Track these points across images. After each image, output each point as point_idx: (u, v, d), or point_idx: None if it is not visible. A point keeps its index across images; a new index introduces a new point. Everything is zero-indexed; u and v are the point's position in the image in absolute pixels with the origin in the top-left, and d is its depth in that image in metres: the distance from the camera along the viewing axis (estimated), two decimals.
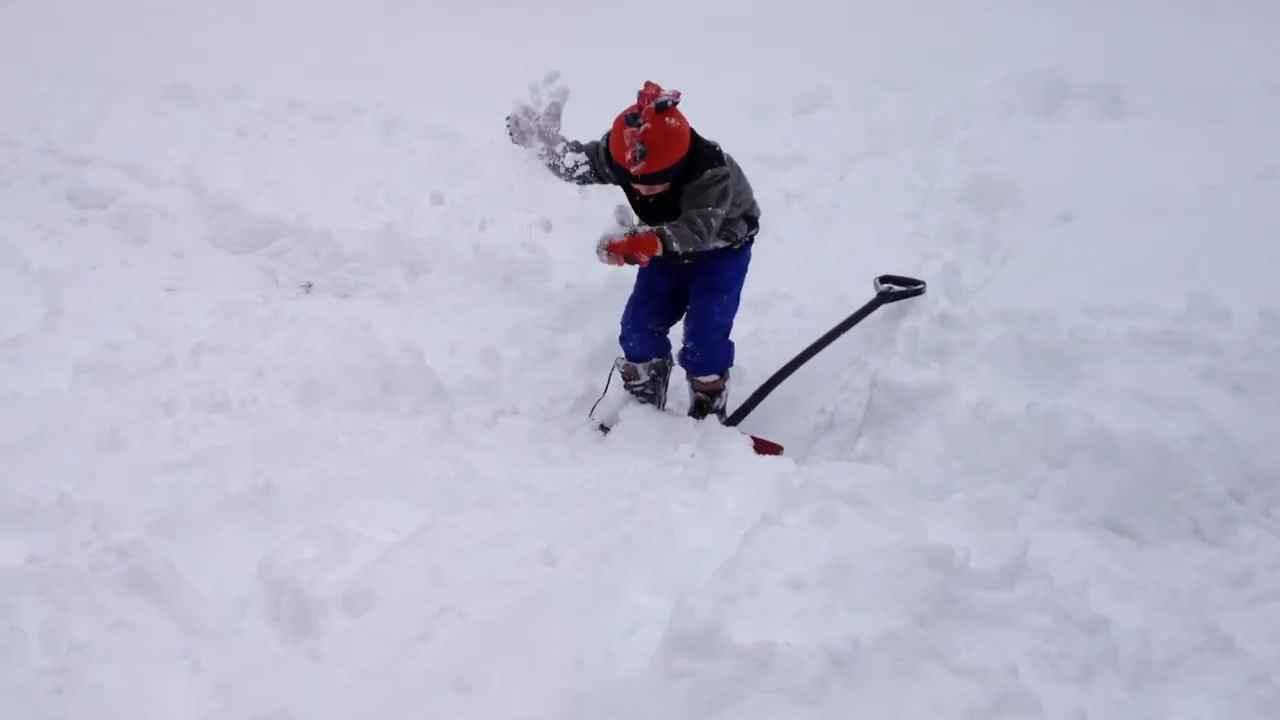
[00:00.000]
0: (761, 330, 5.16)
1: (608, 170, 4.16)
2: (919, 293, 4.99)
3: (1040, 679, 2.58)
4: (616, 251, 3.85)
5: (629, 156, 3.88)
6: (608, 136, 4.06)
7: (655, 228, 3.94)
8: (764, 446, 4.34)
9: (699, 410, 4.64)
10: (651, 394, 4.63)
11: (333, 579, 3.16)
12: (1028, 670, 2.58)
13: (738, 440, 4.25)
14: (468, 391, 4.77)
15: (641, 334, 4.52)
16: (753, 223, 4.42)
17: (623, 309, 4.59)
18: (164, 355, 4.64)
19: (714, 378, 4.51)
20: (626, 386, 4.64)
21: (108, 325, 5.14)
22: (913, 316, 4.94)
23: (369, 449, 4.11)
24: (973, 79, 7.93)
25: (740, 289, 4.51)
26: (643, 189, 4.08)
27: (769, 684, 2.44)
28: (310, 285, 5.95)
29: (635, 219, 4.10)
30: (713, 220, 4.04)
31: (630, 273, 4.50)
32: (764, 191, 6.34)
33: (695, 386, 4.59)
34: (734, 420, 4.58)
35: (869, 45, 8.93)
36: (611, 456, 4.27)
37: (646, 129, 3.85)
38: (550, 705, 2.53)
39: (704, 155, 4.05)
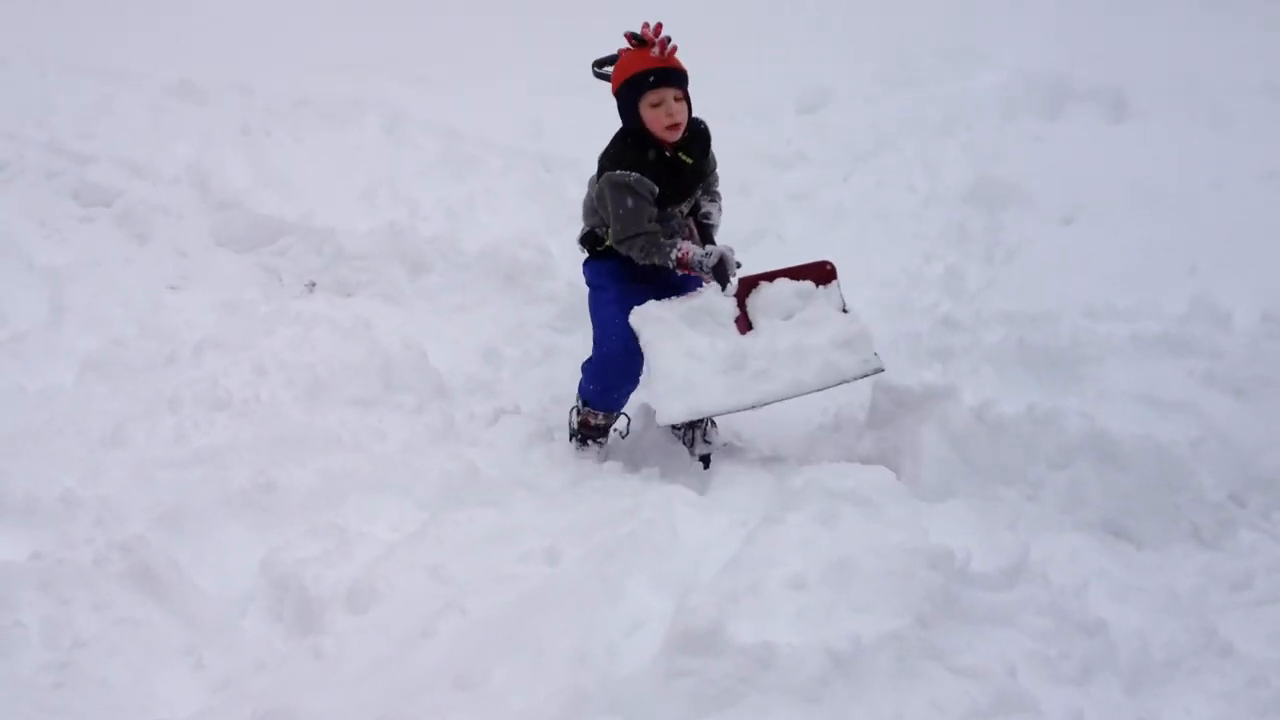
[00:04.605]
0: None
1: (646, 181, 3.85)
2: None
3: (1039, 680, 2.59)
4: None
5: (658, 48, 3.74)
6: (623, 173, 3.80)
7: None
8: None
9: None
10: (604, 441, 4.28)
11: (335, 576, 3.18)
12: (1027, 671, 2.59)
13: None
14: (470, 390, 4.77)
15: (635, 383, 4.14)
16: None
17: None
18: (167, 352, 4.65)
19: None
20: (585, 436, 4.24)
21: (111, 322, 5.14)
22: (916, 318, 4.94)
23: (371, 447, 4.11)
24: (977, 79, 7.93)
25: None
26: (673, 129, 3.78)
27: (771, 683, 2.45)
28: (313, 283, 5.95)
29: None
30: None
31: None
32: (767, 191, 6.37)
33: None
34: None
35: (872, 44, 8.93)
36: (613, 457, 4.28)
37: (659, 24, 3.76)
38: (552, 702, 2.54)
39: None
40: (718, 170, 4.19)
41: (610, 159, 3.89)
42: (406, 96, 8.05)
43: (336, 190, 6.58)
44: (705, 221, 4.08)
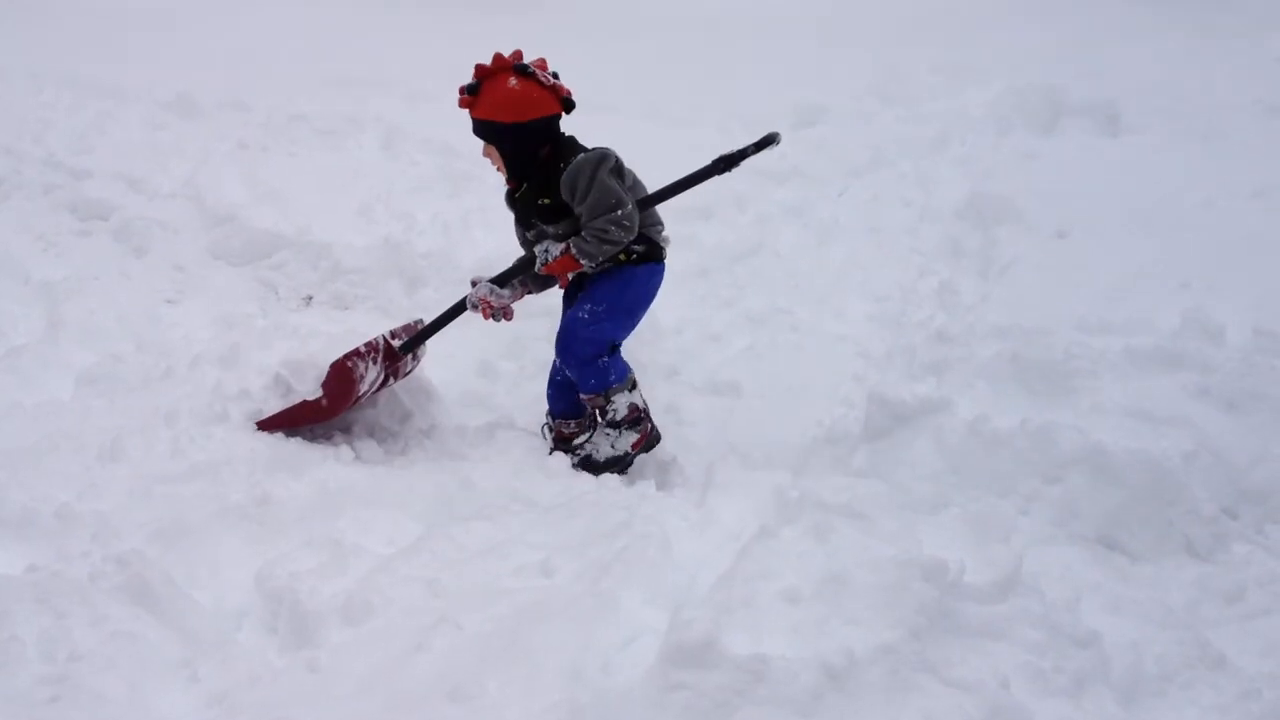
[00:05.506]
0: (758, 344, 5.18)
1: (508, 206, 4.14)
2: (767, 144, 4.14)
3: (1032, 693, 2.59)
4: (553, 270, 3.93)
5: (462, 90, 3.71)
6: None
7: (566, 242, 3.88)
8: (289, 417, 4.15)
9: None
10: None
11: (330, 590, 3.18)
12: (1020, 684, 2.60)
13: None
14: (465, 404, 4.78)
15: (555, 386, 4.36)
16: (651, 245, 4.04)
17: None
18: (164, 366, 4.65)
19: (590, 395, 4.19)
20: (559, 447, 4.33)
21: (108, 336, 5.15)
22: (910, 332, 4.97)
23: (367, 461, 4.13)
24: (971, 95, 8.00)
25: (625, 304, 4.09)
26: (501, 173, 3.97)
27: (764, 696, 2.45)
28: (310, 298, 5.96)
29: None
30: (620, 211, 3.74)
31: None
32: (762, 206, 6.41)
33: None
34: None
35: (867, 60, 9.00)
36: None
37: (486, 68, 3.68)
38: (547, 716, 2.54)
39: (574, 148, 3.87)
40: (595, 221, 3.79)
41: None
42: (403, 113, 8.09)
43: (333, 205, 6.60)
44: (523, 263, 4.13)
